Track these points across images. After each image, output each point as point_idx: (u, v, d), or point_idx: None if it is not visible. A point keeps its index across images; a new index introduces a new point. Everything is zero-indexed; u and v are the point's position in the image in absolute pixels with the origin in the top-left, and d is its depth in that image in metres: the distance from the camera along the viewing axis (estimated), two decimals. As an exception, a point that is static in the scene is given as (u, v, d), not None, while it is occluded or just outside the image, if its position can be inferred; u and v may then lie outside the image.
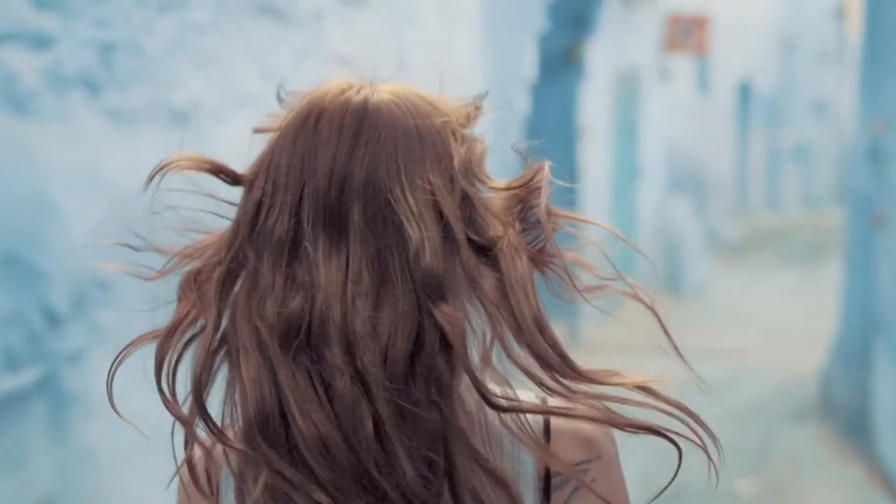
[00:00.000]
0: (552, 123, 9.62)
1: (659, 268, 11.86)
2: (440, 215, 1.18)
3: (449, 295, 1.16)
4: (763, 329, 10.37)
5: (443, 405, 1.15)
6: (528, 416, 1.20)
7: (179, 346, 1.21)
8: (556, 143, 9.40)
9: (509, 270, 1.18)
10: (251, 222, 1.21)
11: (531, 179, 1.24)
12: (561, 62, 9.82)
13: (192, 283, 1.22)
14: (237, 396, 1.18)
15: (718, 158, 17.04)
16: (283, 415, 1.15)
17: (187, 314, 1.21)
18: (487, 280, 1.18)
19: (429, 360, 1.15)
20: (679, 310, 10.80)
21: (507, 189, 1.24)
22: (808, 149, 21.23)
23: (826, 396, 7.76)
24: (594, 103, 10.71)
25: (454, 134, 1.22)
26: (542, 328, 1.18)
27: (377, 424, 1.13)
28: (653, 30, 12.85)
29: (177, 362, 1.21)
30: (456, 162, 1.20)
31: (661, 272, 11.89)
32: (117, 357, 1.24)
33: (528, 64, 8.08)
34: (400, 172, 1.18)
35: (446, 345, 1.15)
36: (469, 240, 1.19)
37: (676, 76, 14.19)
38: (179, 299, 1.22)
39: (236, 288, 1.20)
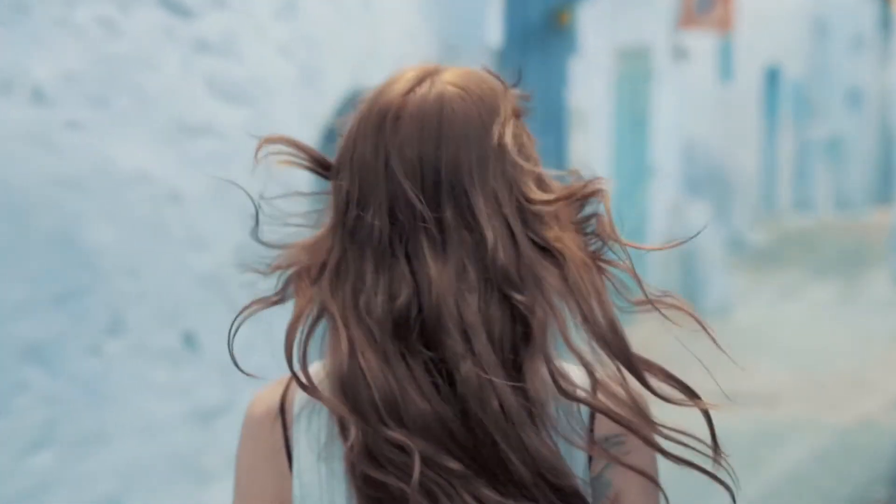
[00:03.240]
0: (533, 104, 8.10)
1: (673, 283, 11.34)
2: (503, 215, 1.35)
3: (521, 289, 1.34)
4: (797, 361, 9.55)
5: (528, 389, 1.34)
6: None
7: (303, 334, 1.38)
8: (539, 127, 7.93)
9: (571, 267, 1.36)
10: (343, 218, 1.36)
11: (585, 189, 1.40)
12: (545, 30, 8.63)
13: (305, 278, 1.39)
14: (357, 382, 1.33)
15: (742, 154, 16.69)
16: (400, 399, 1.32)
17: (306, 307, 1.38)
18: (551, 275, 1.35)
19: (520, 347, 1.34)
20: (696, 336, 9.52)
21: (565, 197, 1.40)
22: (842, 143, 20.85)
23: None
24: (590, 84, 9.83)
25: (514, 130, 1.40)
26: (611, 322, 1.36)
27: (502, 404, 1.31)
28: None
29: (304, 349, 1.38)
30: (511, 159, 1.38)
31: (675, 288, 10.64)
32: (236, 318, 1.41)
33: (491, 27, 7.19)
34: (472, 172, 1.34)
35: (527, 333, 1.34)
36: (529, 239, 1.36)
37: (694, 57, 13.41)
38: (296, 293, 1.39)
39: (344, 286, 1.35)
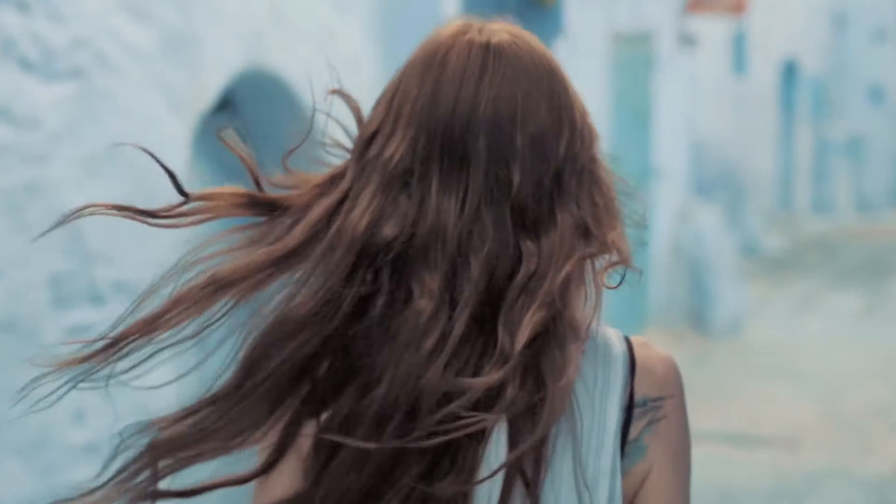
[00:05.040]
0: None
1: (680, 294, 11.47)
2: (543, 159, 1.37)
3: (540, 234, 1.36)
4: (818, 389, 9.22)
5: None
6: (615, 352, 1.42)
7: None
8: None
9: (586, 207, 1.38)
10: (361, 152, 1.37)
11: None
12: (525, 7, 8.10)
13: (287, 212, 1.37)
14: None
15: (756, 154, 17.04)
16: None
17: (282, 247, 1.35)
18: (566, 221, 1.38)
19: (525, 293, 1.33)
20: (705, 358, 9.91)
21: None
22: (863, 142, 21.17)
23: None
24: (579, 72, 8.96)
25: (566, 81, 1.43)
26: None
27: (439, 343, 1.30)
28: (670, -22, 12.24)
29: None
30: (576, 110, 1.41)
31: (683, 300, 11.53)
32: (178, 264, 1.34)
33: (449, 2, 6.46)
34: (516, 112, 1.37)
35: (536, 280, 1.34)
36: (557, 188, 1.37)
37: (703, 46, 13.35)
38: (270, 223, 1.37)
39: (329, 197, 1.36)
